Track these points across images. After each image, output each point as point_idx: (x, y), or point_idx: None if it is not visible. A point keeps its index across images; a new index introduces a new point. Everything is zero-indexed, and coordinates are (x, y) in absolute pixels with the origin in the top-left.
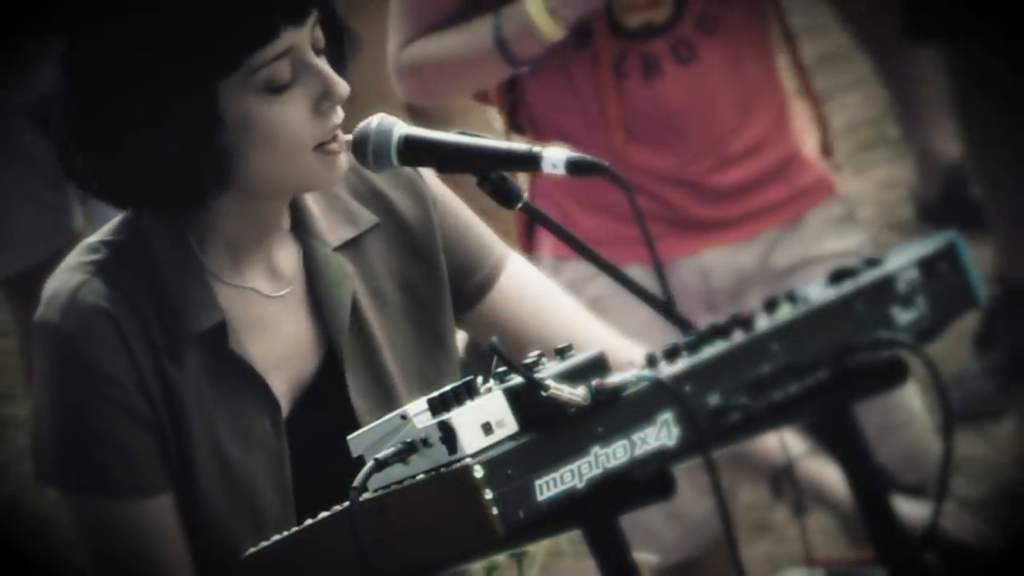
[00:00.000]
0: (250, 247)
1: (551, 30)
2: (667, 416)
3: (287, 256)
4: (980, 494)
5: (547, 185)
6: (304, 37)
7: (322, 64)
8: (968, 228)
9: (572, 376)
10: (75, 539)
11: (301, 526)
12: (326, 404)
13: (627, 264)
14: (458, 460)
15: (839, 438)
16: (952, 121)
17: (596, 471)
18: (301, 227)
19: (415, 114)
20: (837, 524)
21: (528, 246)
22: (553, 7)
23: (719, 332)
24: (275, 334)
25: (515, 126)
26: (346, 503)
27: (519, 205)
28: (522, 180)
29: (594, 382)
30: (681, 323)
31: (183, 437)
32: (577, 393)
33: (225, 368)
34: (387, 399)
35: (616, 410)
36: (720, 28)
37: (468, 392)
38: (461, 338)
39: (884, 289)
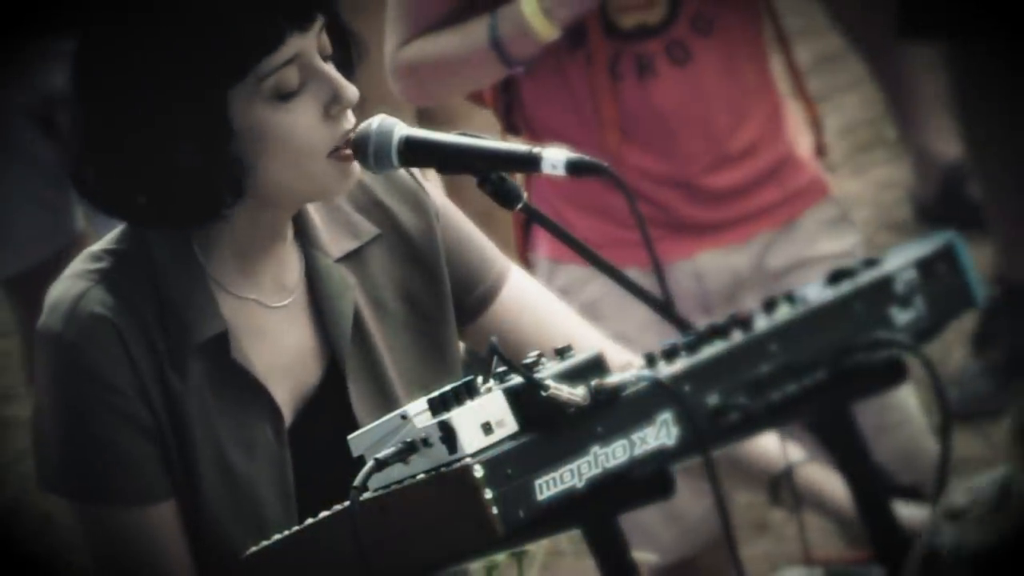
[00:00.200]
0: (256, 257)
1: (546, 30)
2: (666, 416)
3: (290, 267)
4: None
5: (543, 188)
6: (310, 43)
7: (330, 69)
8: (966, 228)
9: (571, 376)
10: (82, 543)
11: (301, 525)
12: (329, 413)
13: (624, 267)
14: (458, 460)
15: (837, 438)
16: (949, 121)
17: (596, 471)
18: (303, 238)
19: (423, 114)
20: (835, 524)
21: (524, 248)
22: (548, 7)
23: (718, 332)
24: (277, 344)
25: (510, 127)
26: (347, 503)
27: (519, 206)
28: (517, 182)
29: (593, 382)
30: (680, 323)
31: (186, 445)
32: (577, 393)
33: (227, 377)
34: (389, 408)
35: (615, 410)
36: (715, 29)
37: (468, 392)
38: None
39: (882, 289)
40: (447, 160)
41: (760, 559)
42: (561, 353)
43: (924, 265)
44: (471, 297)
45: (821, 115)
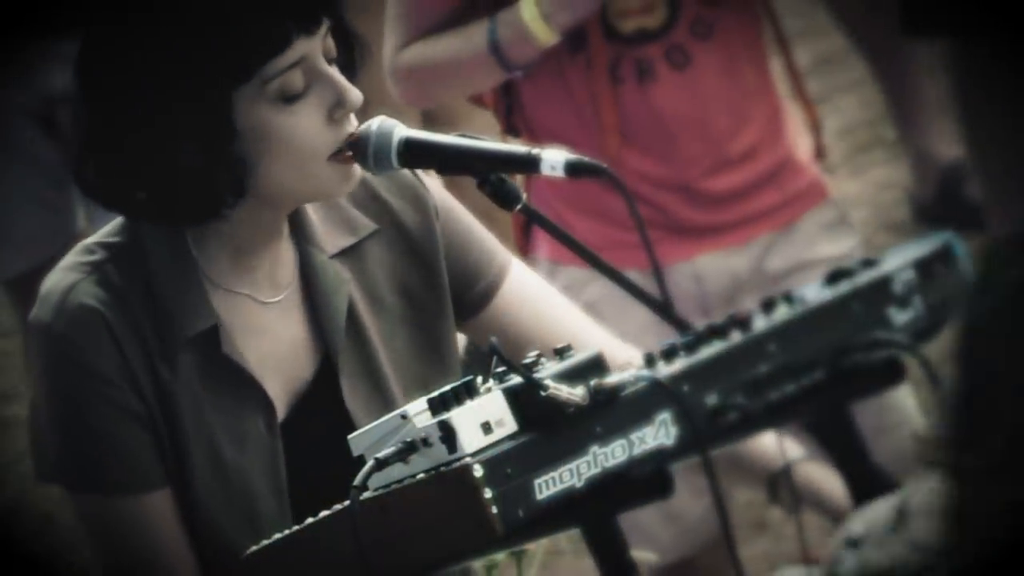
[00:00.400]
0: (251, 253)
1: (545, 35)
2: (665, 416)
3: (284, 263)
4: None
5: (542, 190)
6: (316, 47)
7: (335, 73)
8: (964, 229)
9: (571, 376)
10: (81, 533)
11: (301, 525)
12: (321, 408)
13: (623, 269)
14: (458, 459)
15: (836, 438)
16: (949, 122)
17: (595, 470)
18: (299, 234)
19: (427, 116)
20: (834, 523)
21: (524, 249)
22: (547, 13)
23: (717, 332)
24: (270, 339)
25: (511, 129)
26: (347, 502)
27: (518, 207)
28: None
29: (593, 382)
30: (679, 324)
31: (177, 437)
32: (576, 393)
33: (219, 371)
34: (384, 404)
35: (614, 410)
36: (714, 33)
37: (468, 392)
38: (461, 339)
39: (881, 290)
40: (446, 161)
41: (759, 558)
42: (560, 353)
43: (922, 265)
44: (472, 292)
45: (820, 116)
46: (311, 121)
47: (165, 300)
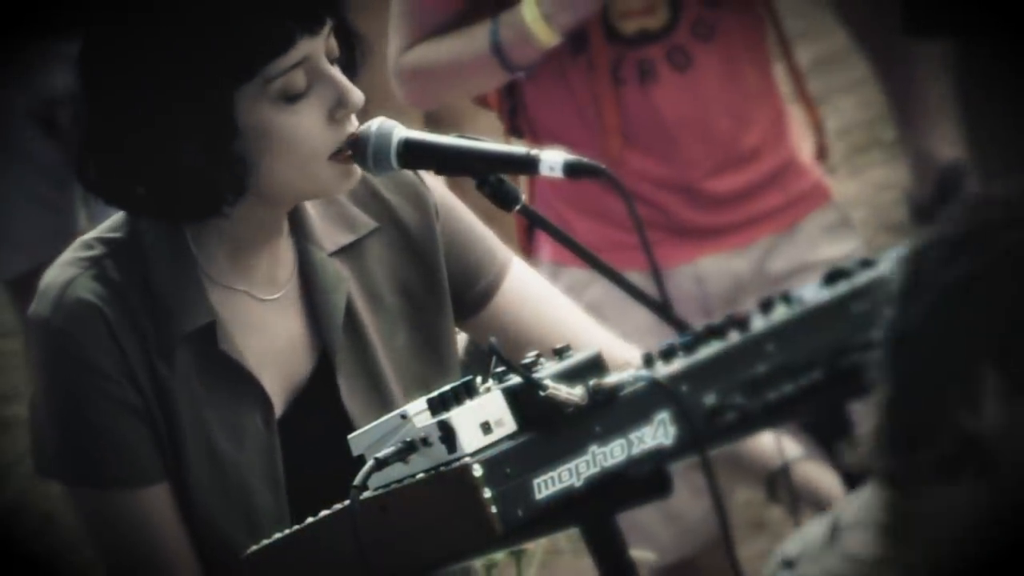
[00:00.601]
0: (250, 250)
1: (546, 36)
2: (664, 416)
3: (283, 260)
4: None
5: (545, 191)
6: (319, 46)
7: (337, 73)
8: None
9: (570, 376)
10: (81, 529)
11: (302, 524)
12: (319, 406)
13: (624, 270)
14: (457, 459)
15: (834, 438)
16: (949, 123)
17: (594, 470)
18: (298, 231)
19: (429, 117)
20: None
21: (528, 250)
22: (548, 14)
23: (715, 333)
24: (268, 336)
25: (514, 129)
26: (346, 501)
27: (517, 207)
28: (521, 187)
29: (592, 382)
30: (678, 325)
31: (174, 433)
32: (575, 393)
33: (216, 367)
34: (382, 402)
35: (613, 410)
36: (716, 35)
37: (467, 392)
38: (461, 339)
39: (879, 290)
40: (446, 162)
41: (757, 558)
42: (559, 353)
43: None
44: (473, 291)
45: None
46: (312, 121)
47: (163, 296)
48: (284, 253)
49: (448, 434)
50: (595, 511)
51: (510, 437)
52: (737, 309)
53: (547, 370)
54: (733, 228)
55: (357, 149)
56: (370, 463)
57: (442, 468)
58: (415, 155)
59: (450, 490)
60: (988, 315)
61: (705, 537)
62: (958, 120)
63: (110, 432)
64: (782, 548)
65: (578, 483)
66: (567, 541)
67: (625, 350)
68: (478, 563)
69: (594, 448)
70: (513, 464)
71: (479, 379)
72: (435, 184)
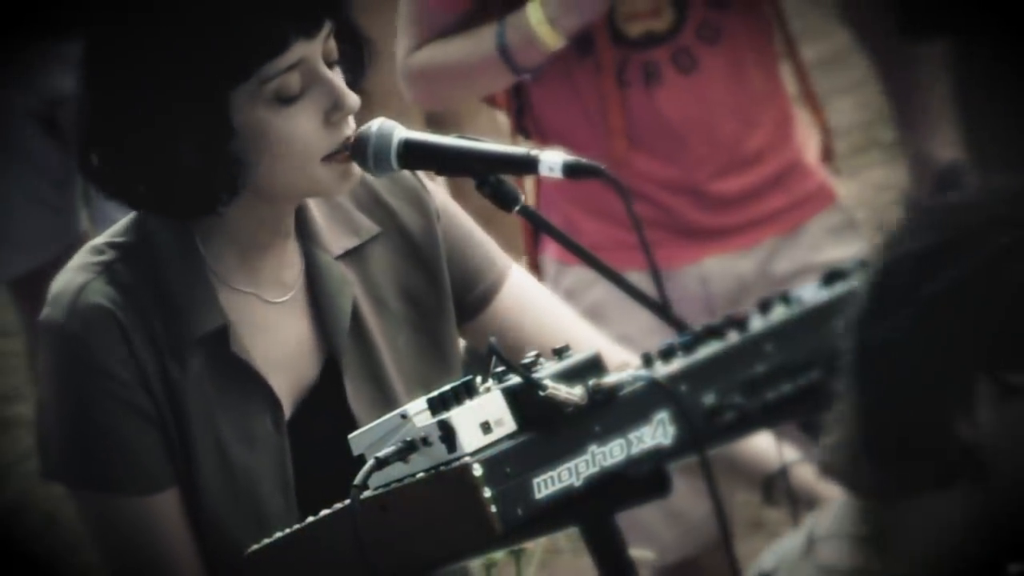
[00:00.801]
0: (257, 252)
1: (551, 39)
2: (663, 415)
3: (290, 263)
4: None
5: (551, 191)
6: (316, 49)
7: (333, 76)
8: None
9: (569, 376)
10: (84, 533)
11: (303, 524)
12: (326, 408)
13: (627, 270)
14: (457, 459)
15: None
16: (949, 125)
17: (593, 469)
18: (304, 235)
19: (431, 118)
20: None
21: (534, 250)
22: (553, 17)
23: (714, 333)
24: (276, 338)
25: (520, 129)
26: (347, 501)
27: (517, 208)
28: (528, 186)
29: (591, 382)
30: (677, 325)
31: (185, 437)
32: (574, 393)
33: (227, 370)
34: (387, 404)
35: (613, 409)
36: (722, 37)
37: (467, 392)
38: (462, 339)
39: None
40: (445, 163)
41: (756, 557)
42: (559, 353)
43: None
44: (471, 295)
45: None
46: (307, 123)
47: (175, 298)
48: (291, 255)
49: (448, 434)
50: (594, 510)
51: (510, 437)
52: (740, 309)
53: (547, 370)
54: (738, 229)
55: (357, 150)
56: (370, 462)
57: (442, 468)
58: (415, 156)
59: (450, 490)
60: (975, 322)
61: (707, 537)
62: (957, 121)
63: (120, 437)
64: (759, 561)
65: (578, 483)
66: (566, 540)
67: (621, 357)
68: (478, 562)
69: (593, 448)
70: (513, 464)
71: (479, 379)
72: (436, 189)
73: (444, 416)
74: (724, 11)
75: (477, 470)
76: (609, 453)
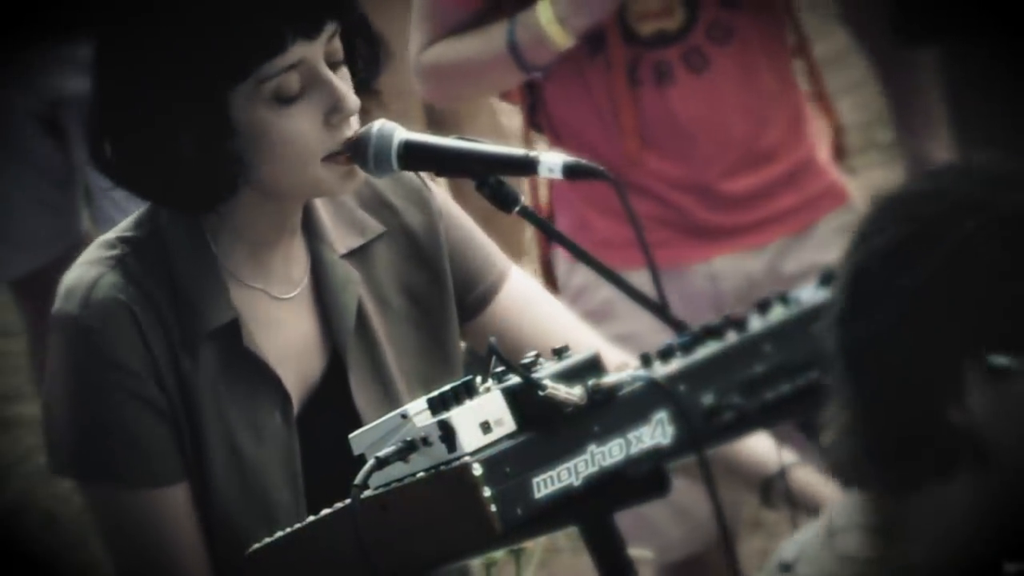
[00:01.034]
0: (265, 248)
1: (561, 39)
2: (662, 415)
3: (297, 260)
4: None
5: (564, 189)
6: (316, 50)
7: (333, 78)
8: None
9: (569, 376)
10: (92, 527)
11: (304, 523)
12: (331, 404)
13: (637, 268)
14: (457, 458)
15: None
16: (947, 128)
17: (592, 469)
18: (311, 232)
19: (431, 119)
20: None
21: (545, 248)
22: (563, 16)
23: (713, 333)
24: (284, 334)
25: (534, 125)
26: (348, 500)
27: (516, 208)
28: (542, 186)
29: (590, 382)
30: (676, 324)
31: (196, 430)
32: (574, 393)
33: (238, 364)
34: (390, 401)
35: (612, 409)
36: (734, 36)
37: (467, 392)
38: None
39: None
40: (445, 164)
41: (755, 556)
42: (559, 353)
43: None
44: (471, 296)
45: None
46: (306, 124)
47: (187, 292)
48: (298, 252)
49: (448, 433)
50: (594, 510)
51: (510, 436)
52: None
53: (546, 370)
54: (749, 228)
55: (358, 151)
56: (371, 462)
57: (442, 467)
58: (415, 157)
59: (450, 489)
60: (955, 309)
61: (713, 534)
62: (952, 123)
63: (133, 430)
64: (779, 552)
65: (577, 482)
66: (566, 540)
67: (619, 358)
68: (478, 562)
69: (593, 447)
70: (512, 463)
71: (479, 379)
72: (438, 190)
73: (444, 416)
74: (735, 11)
75: (477, 470)
76: (608, 453)
